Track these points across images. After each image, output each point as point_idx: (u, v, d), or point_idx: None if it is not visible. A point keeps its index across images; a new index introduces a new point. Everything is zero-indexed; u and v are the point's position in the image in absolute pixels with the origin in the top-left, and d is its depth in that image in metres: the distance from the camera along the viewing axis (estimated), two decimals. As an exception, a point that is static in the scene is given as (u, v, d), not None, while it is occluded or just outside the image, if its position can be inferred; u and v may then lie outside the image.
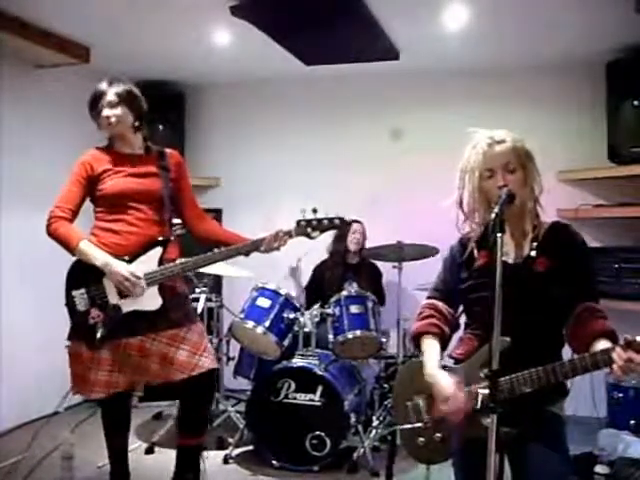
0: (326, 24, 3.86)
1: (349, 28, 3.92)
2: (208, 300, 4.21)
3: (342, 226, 2.93)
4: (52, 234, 2.82)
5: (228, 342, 4.33)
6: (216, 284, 4.80)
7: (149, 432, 4.18)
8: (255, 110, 5.42)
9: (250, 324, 3.82)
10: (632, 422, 3.90)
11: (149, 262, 2.82)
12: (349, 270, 4.68)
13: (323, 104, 5.30)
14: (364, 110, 5.20)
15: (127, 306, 2.80)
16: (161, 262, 2.84)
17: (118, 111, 2.86)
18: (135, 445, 3.99)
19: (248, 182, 5.41)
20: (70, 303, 2.86)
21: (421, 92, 5.09)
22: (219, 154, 5.54)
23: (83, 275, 2.83)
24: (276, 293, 3.94)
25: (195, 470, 3.09)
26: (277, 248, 2.85)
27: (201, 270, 3.93)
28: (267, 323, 3.81)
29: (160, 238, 2.87)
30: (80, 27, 4.08)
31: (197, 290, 4.18)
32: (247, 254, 2.89)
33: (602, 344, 1.77)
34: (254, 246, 2.84)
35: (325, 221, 2.87)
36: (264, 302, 3.89)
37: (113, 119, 2.86)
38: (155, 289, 2.82)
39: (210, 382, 3.01)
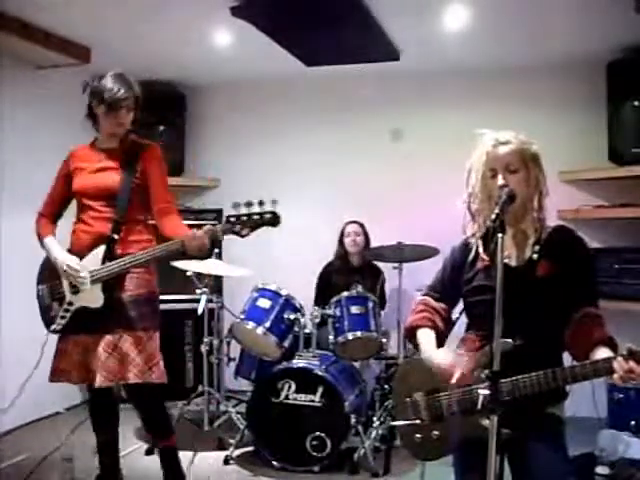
0: (326, 24, 3.85)
1: (349, 28, 3.92)
2: (209, 301, 4.20)
3: (274, 221, 2.59)
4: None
5: (229, 343, 4.32)
6: (217, 285, 4.79)
7: (149, 433, 4.17)
8: (255, 110, 5.42)
9: (250, 325, 3.82)
10: (632, 423, 3.89)
11: (94, 260, 2.79)
12: (354, 274, 4.62)
13: (323, 105, 5.29)
14: (364, 111, 5.20)
15: (77, 302, 2.81)
16: (105, 260, 2.77)
17: (131, 117, 2.86)
18: (135, 446, 3.98)
19: (248, 182, 5.41)
20: (37, 297, 2.95)
21: (421, 92, 5.08)
22: (219, 154, 5.53)
23: (49, 271, 2.89)
24: (277, 294, 3.93)
25: (176, 475, 3.05)
26: (197, 249, 2.61)
27: (202, 271, 4.00)
28: (267, 324, 3.81)
29: (111, 235, 2.79)
30: (81, 28, 4.08)
31: (198, 291, 4.17)
32: (175, 256, 2.75)
33: (602, 352, 1.77)
34: (178, 246, 2.66)
35: (255, 216, 2.58)
36: (264, 303, 3.89)
37: (127, 124, 2.86)
38: (98, 288, 2.77)
39: (140, 396, 2.91)
